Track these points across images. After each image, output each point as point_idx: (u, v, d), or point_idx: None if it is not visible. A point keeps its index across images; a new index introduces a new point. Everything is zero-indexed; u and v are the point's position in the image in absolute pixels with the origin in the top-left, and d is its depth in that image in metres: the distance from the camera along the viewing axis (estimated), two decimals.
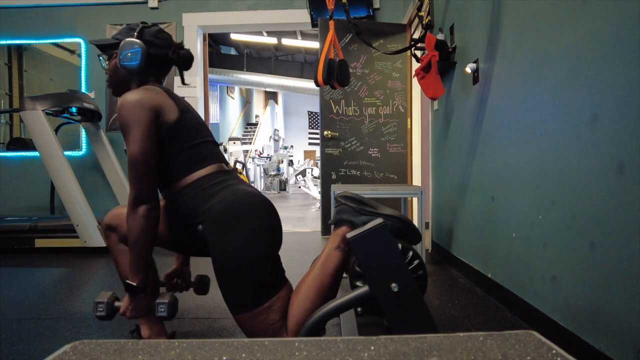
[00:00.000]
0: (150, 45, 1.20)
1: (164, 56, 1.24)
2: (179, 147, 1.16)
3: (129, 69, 1.17)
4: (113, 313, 1.16)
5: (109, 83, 1.26)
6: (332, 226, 1.25)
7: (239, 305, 1.07)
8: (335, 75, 2.49)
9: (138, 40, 1.17)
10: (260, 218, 1.11)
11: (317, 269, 1.14)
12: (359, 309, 1.42)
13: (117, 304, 1.16)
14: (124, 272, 1.27)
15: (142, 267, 1.09)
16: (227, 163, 1.26)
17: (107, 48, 1.24)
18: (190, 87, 3.92)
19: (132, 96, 1.09)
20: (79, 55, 4.08)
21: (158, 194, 1.13)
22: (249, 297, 1.06)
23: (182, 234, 1.21)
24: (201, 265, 2.60)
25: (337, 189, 2.26)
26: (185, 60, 1.28)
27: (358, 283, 1.15)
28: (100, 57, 1.28)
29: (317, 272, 1.13)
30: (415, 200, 3.52)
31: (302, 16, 3.93)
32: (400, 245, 1.12)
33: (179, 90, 3.81)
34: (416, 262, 1.16)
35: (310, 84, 11.14)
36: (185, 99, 1.29)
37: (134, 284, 1.09)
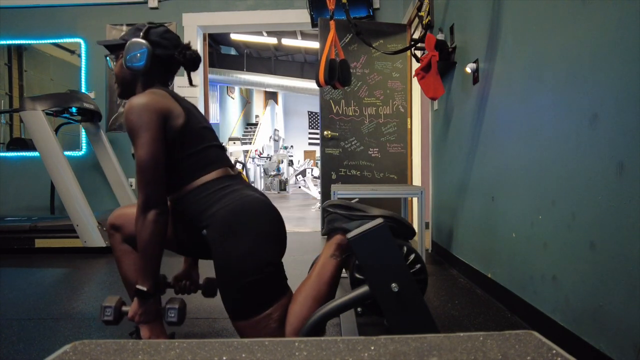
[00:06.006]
0: (156, 45, 1.19)
1: (170, 57, 1.23)
2: (186, 152, 1.15)
3: (135, 69, 1.16)
4: (120, 317, 1.16)
5: (116, 84, 1.26)
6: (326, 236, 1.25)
7: (238, 313, 1.06)
8: (337, 76, 2.49)
9: (144, 41, 1.16)
10: (264, 225, 1.10)
11: (314, 278, 1.13)
12: (359, 309, 1.42)
13: (124, 308, 1.16)
14: (126, 272, 1.27)
15: (152, 272, 1.09)
16: (232, 167, 1.25)
17: (115, 49, 1.23)
18: (191, 87, 3.91)
19: (140, 100, 1.08)
20: (79, 55, 4.08)
21: (166, 198, 1.12)
22: (249, 305, 1.05)
23: (189, 237, 1.21)
24: (210, 268, 2.62)
25: (337, 189, 2.26)
26: (192, 62, 1.27)
27: (358, 281, 1.15)
28: (108, 58, 1.27)
29: (314, 281, 1.13)
30: (415, 200, 3.52)
31: (302, 16, 3.92)
32: (399, 245, 1.12)
33: (178, 90, 3.81)
34: (416, 261, 1.15)
35: (310, 84, 11.14)
36: (186, 99, 1.28)
37: (144, 289, 1.08)
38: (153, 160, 1.07)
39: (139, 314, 1.11)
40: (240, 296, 1.05)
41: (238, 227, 1.07)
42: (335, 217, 1.20)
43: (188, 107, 1.21)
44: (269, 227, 1.12)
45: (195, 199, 1.14)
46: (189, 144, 1.16)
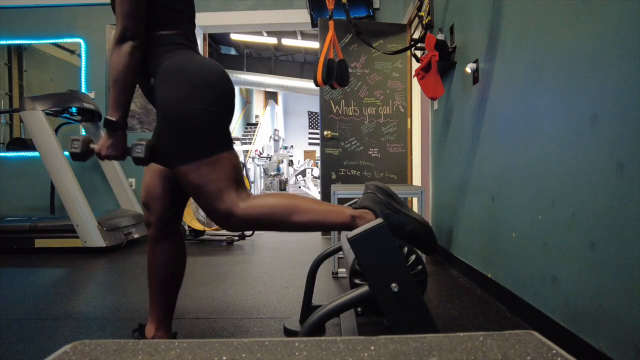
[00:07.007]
0: None
1: None
2: (159, 4, 1.15)
3: None
4: (88, 152, 1.14)
5: None
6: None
7: (180, 155, 1.06)
8: (335, 76, 2.49)
9: None
10: (208, 76, 1.10)
11: (322, 211, 1.10)
12: (359, 309, 1.42)
13: (92, 145, 1.14)
14: (155, 265, 1.26)
15: (123, 103, 1.09)
16: (196, 44, 1.26)
17: None
18: None
19: None
20: (79, 55, 4.08)
21: (143, 33, 1.12)
22: (190, 147, 1.05)
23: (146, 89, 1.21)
24: (206, 272, 2.61)
25: (337, 189, 2.26)
26: None
27: (357, 281, 1.15)
28: None
29: (318, 212, 1.09)
30: (415, 200, 3.52)
31: (302, 16, 3.93)
32: (399, 245, 1.12)
33: None
34: (416, 261, 1.15)
35: (310, 84, 11.15)
36: None
37: (114, 119, 1.08)
38: None
39: (106, 146, 1.10)
40: (180, 138, 1.05)
41: (181, 74, 1.08)
42: (373, 197, 1.18)
43: None
44: (213, 78, 1.11)
45: (152, 51, 1.15)
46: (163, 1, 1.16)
